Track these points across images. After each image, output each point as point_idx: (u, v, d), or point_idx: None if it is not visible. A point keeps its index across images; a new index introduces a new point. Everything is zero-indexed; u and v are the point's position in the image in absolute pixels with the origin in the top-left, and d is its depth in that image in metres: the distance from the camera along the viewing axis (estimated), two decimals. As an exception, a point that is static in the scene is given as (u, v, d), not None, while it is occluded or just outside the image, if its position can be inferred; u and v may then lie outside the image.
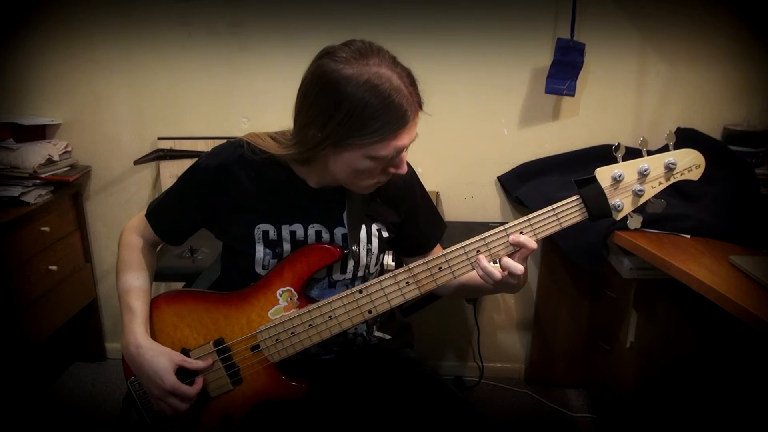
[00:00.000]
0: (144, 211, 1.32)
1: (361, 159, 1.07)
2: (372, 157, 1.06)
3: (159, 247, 1.39)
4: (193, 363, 1.19)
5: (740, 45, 2.09)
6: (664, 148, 1.11)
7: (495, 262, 1.13)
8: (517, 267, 1.09)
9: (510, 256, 1.11)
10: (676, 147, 1.10)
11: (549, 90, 2.11)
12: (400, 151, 1.08)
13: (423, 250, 1.37)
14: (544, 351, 2.44)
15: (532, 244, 1.10)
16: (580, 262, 1.85)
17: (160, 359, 1.17)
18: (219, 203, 1.23)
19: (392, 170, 1.12)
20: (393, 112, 1.02)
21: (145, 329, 1.21)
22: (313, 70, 1.06)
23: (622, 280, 1.89)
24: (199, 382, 1.19)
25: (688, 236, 1.70)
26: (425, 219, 1.37)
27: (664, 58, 2.13)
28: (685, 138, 2.05)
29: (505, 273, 1.10)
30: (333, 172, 1.13)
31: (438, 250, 1.39)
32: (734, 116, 2.14)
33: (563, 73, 2.08)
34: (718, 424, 1.89)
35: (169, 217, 1.30)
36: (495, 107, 2.23)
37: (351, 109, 1.01)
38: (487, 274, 1.10)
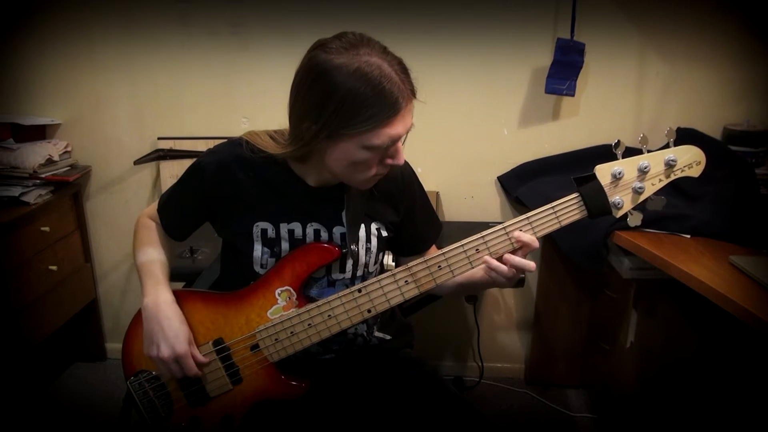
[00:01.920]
0: (157, 203, 1.34)
1: (356, 150, 1.07)
2: (367, 146, 1.06)
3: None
4: (197, 351, 1.19)
5: (740, 45, 2.08)
6: (665, 147, 1.11)
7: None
8: (530, 264, 1.10)
9: (513, 253, 1.11)
10: (676, 145, 1.09)
11: (549, 90, 2.11)
12: (395, 140, 1.08)
13: (419, 250, 1.38)
14: (544, 351, 2.43)
15: (535, 243, 1.10)
16: (580, 261, 1.85)
17: (184, 326, 1.19)
18: (219, 201, 1.23)
19: (389, 161, 1.12)
20: (384, 99, 1.02)
21: (171, 293, 1.22)
22: (304, 63, 1.07)
23: (622, 280, 1.89)
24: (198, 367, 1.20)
25: (688, 236, 1.70)
26: (423, 219, 1.37)
27: (664, 58, 2.13)
28: (685, 138, 2.05)
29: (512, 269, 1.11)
30: (330, 166, 1.13)
31: (434, 251, 1.40)
32: (734, 116, 2.14)
33: (563, 73, 2.08)
34: (718, 424, 1.89)
35: (172, 214, 1.32)
36: (495, 107, 2.23)
37: (342, 98, 1.01)
38: (497, 272, 1.11)
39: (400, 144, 1.11)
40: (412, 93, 1.07)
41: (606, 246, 1.79)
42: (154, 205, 1.35)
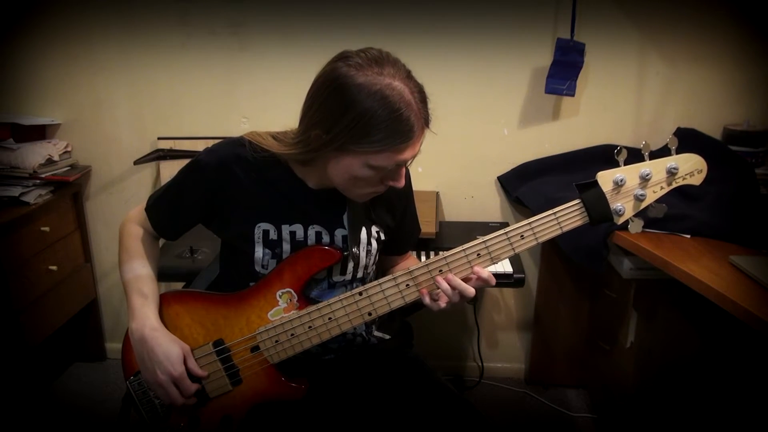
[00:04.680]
0: (144, 204, 1.32)
1: (360, 166, 1.07)
2: (371, 166, 1.07)
3: (162, 242, 1.39)
4: (194, 364, 1.19)
5: (740, 45, 2.08)
6: (665, 149, 1.10)
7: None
8: (470, 290, 1.12)
9: (466, 281, 1.13)
10: (678, 151, 1.09)
11: (549, 90, 2.11)
12: (401, 165, 1.09)
13: (400, 251, 1.40)
14: (544, 351, 2.44)
15: (492, 281, 1.13)
16: (580, 261, 1.85)
17: (174, 346, 1.18)
18: (219, 201, 1.23)
19: (390, 183, 1.13)
20: (399, 125, 1.02)
21: (157, 314, 1.21)
22: (326, 73, 1.06)
23: (622, 280, 1.89)
24: (196, 384, 1.20)
25: (688, 236, 1.70)
26: (410, 222, 1.39)
27: (664, 58, 2.13)
28: (685, 138, 2.05)
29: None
30: (330, 175, 1.14)
31: (408, 256, 1.42)
32: (734, 116, 2.14)
33: (563, 73, 2.08)
34: (718, 424, 1.89)
35: (167, 212, 1.30)
36: (495, 107, 2.23)
37: (358, 116, 1.01)
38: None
39: (403, 168, 1.12)
40: (426, 123, 1.08)
41: (606, 246, 1.79)
42: (140, 207, 1.33)
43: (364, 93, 1.01)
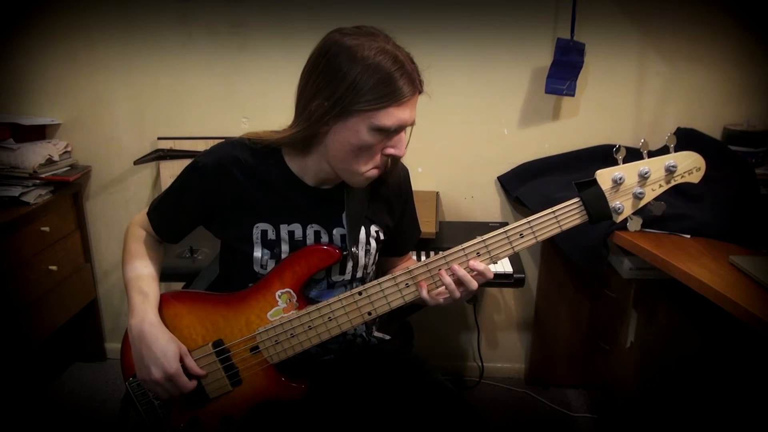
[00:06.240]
0: (147, 208, 1.33)
1: (364, 131, 1.07)
2: (376, 128, 1.07)
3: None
4: (192, 362, 1.19)
5: (740, 45, 2.08)
6: (664, 149, 1.11)
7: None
8: (473, 283, 1.13)
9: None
10: (677, 149, 1.09)
11: (549, 90, 2.11)
12: (402, 126, 1.10)
13: (400, 252, 1.39)
14: (544, 351, 2.44)
15: (489, 273, 1.13)
16: (580, 261, 1.85)
17: (172, 344, 1.18)
18: (218, 202, 1.23)
19: (391, 150, 1.12)
20: (399, 81, 1.05)
21: (157, 312, 1.21)
22: (321, 45, 1.10)
23: (622, 280, 1.89)
24: (194, 381, 1.20)
25: (688, 236, 1.70)
26: (410, 223, 1.39)
27: (664, 58, 2.13)
28: (685, 138, 2.05)
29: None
30: (331, 155, 1.13)
31: (408, 258, 1.42)
32: (734, 116, 2.14)
33: (563, 73, 2.08)
34: (718, 424, 1.89)
35: (167, 216, 1.31)
36: (495, 107, 2.23)
37: (358, 74, 1.04)
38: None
39: (403, 134, 1.12)
40: (421, 84, 1.11)
41: (606, 246, 1.79)
42: (144, 211, 1.34)
43: (361, 54, 1.04)
